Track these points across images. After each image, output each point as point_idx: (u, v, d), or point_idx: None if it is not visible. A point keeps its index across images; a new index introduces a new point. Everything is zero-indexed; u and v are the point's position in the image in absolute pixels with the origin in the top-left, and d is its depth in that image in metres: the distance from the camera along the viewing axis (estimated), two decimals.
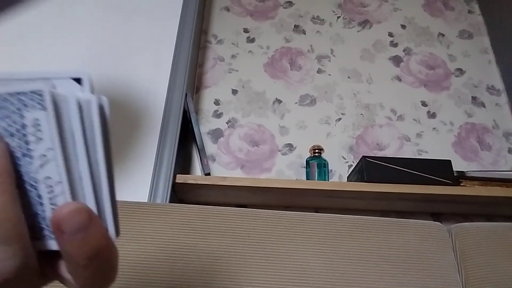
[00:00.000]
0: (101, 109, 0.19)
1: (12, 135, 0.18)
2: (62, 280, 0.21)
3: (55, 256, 0.20)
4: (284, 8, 1.60)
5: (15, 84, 0.18)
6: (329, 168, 1.27)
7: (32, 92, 0.18)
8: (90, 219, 0.18)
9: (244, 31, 1.54)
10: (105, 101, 0.20)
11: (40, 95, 0.18)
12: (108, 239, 0.19)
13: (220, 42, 1.51)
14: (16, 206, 0.18)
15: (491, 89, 1.47)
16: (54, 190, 0.18)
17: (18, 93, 0.18)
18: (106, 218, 0.20)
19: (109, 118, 0.20)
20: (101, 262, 0.19)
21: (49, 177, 0.18)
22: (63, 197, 0.19)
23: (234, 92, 1.40)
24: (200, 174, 1.20)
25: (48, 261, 0.21)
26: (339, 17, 1.60)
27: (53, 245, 0.19)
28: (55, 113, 0.18)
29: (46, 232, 0.19)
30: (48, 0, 1.22)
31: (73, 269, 0.19)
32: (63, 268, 0.20)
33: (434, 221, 0.87)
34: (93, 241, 0.18)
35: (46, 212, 0.19)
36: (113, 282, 0.21)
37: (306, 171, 1.19)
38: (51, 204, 0.19)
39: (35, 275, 0.19)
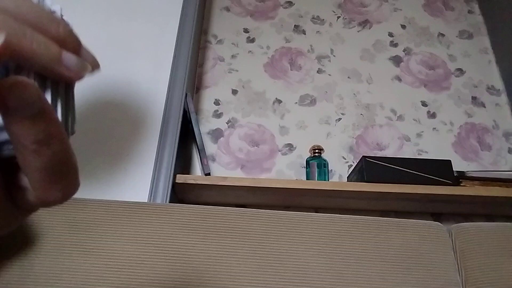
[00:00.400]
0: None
1: None
2: (21, 194, 0.20)
3: (18, 179, 0.20)
4: (284, 8, 1.60)
5: None
6: (329, 168, 1.27)
7: None
8: (39, 99, 0.17)
9: (244, 31, 1.54)
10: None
11: None
12: (61, 129, 0.18)
13: (220, 42, 1.51)
14: None
15: (491, 89, 1.47)
16: None
17: None
18: (57, 109, 0.19)
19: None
20: (54, 154, 0.18)
21: None
22: None
23: (234, 92, 1.40)
24: (200, 174, 1.20)
25: (14, 188, 0.20)
26: (339, 17, 1.60)
27: (2, 135, 0.18)
28: None
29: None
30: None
31: (24, 159, 0.18)
32: (22, 177, 0.19)
33: (434, 221, 0.87)
34: (42, 124, 0.17)
35: None
36: (72, 194, 0.20)
37: (306, 171, 1.19)
38: None
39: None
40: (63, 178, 0.19)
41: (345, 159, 1.31)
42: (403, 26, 1.59)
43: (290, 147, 1.31)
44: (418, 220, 0.75)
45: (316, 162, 1.17)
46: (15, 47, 0.17)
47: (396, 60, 1.51)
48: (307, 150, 1.29)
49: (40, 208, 0.21)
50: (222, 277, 0.63)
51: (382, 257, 0.68)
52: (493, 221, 1.21)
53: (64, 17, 0.21)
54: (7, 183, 0.20)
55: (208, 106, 1.37)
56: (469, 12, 1.64)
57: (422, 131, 1.37)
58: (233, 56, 1.48)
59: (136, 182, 0.99)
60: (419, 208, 1.18)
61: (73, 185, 0.20)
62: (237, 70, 1.45)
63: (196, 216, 0.69)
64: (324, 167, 1.17)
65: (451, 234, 0.75)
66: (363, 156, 1.10)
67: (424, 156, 1.32)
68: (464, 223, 0.77)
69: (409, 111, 1.40)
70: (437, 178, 1.08)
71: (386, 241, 0.70)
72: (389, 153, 1.32)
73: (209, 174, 1.09)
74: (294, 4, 1.62)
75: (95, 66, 0.21)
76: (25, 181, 0.19)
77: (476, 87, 1.47)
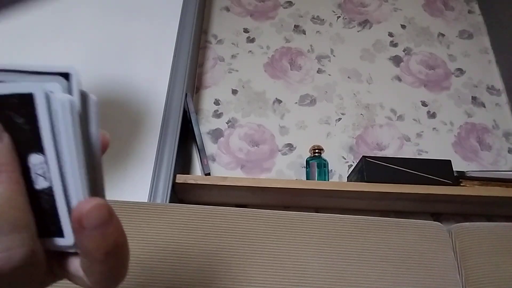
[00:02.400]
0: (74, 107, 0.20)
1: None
2: (71, 277, 0.21)
3: (63, 254, 0.21)
4: (284, 8, 1.60)
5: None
6: (329, 168, 1.27)
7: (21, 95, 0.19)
8: (110, 216, 0.18)
9: (244, 31, 1.54)
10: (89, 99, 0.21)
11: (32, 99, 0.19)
12: (125, 236, 0.20)
13: (220, 42, 1.51)
14: (24, 196, 0.18)
15: (491, 89, 1.47)
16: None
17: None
18: None
19: (95, 114, 0.22)
20: (117, 258, 0.19)
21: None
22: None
23: (234, 92, 1.40)
24: (200, 174, 1.20)
25: (56, 260, 0.21)
26: (339, 17, 1.60)
27: (60, 241, 0.20)
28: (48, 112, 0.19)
29: (52, 228, 0.20)
30: (49, 0, 1.22)
31: (89, 265, 0.19)
32: (74, 265, 0.20)
33: (434, 221, 0.87)
34: (112, 237, 0.19)
35: (57, 207, 0.20)
36: (124, 279, 0.21)
37: (306, 171, 1.19)
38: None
39: (42, 270, 0.20)
40: (120, 272, 0.20)
41: (345, 159, 1.31)
42: (403, 26, 1.58)
43: (290, 147, 1.31)
44: (418, 220, 0.74)
45: (316, 162, 1.17)
46: None
47: (396, 60, 1.51)
48: (307, 150, 1.29)
49: None
50: (222, 277, 0.63)
51: (382, 257, 0.68)
52: (493, 221, 1.21)
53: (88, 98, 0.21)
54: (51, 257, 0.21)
55: (208, 106, 1.37)
56: (469, 12, 1.64)
57: (422, 131, 1.37)
58: (233, 56, 1.48)
59: (136, 182, 0.99)
60: (419, 208, 1.18)
61: (125, 274, 0.21)
62: (237, 70, 1.45)
63: (196, 216, 0.69)
64: (324, 167, 1.17)
65: (451, 234, 0.75)
66: (363, 156, 1.10)
67: (424, 156, 1.32)
68: (464, 223, 0.77)
69: (409, 111, 1.40)
70: (437, 178, 1.08)
71: (386, 241, 0.70)
72: (389, 153, 1.32)
73: (209, 174, 1.09)
74: (294, 4, 1.62)
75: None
76: (78, 271, 0.20)
77: (476, 87, 1.47)
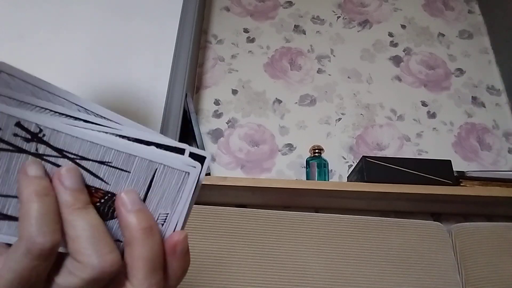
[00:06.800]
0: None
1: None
2: None
3: None
4: (284, 8, 1.60)
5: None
6: (329, 168, 1.27)
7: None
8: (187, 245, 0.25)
9: (244, 31, 1.54)
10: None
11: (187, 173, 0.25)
12: (157, 225, 0.25)
13: (220, 42, 1.51)
14: None
15: (491, 89, 1.47)
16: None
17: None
18: None
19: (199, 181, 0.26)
20: (154, 245, 0.24)
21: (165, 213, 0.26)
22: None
23: (234, 92, 1.40)
24: None
25: None
26: (339, 17, 1.60)
27: None
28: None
29: None
30: (48, 0, 1.22)
31: (132, 248, 0.24)
32: None
33: (434, 221, 0.87)
34: (189, 260, 0.25)
35: None
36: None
37: (306, 171, 1.19)
38: None
39: None
40: (159, 272, 0.24)
41: (345, 159, 1.31)
42: (403, 26, 1.58)
43: (290, 147, 1.31)
44: (418, 220, 0.75)
45: (316, 162, 1.17)
46: None
47: (396, 60, 1.51)
48: (307, 150, 1.28)
49: None
50: (222, 277, 0.63)
51: (382, 257, 0.68)
52: (493, 221, 1.21)
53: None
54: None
55: (208, 106, 1.37)
56: (469, 12, 1.64)
57: (422, 131, 1.37)
58: (233, 56, 1.48)
59: None
60: (419, 208, 1.18)
61: (165, 283, 0.25)
62: (237, 70, 1.45)
63: (196, 216, 0.69)
64: (324, 167, 1.17)
65: (451, 234, 0.75)
66: (363, 156, 1.10)
67: (424, 156, 1.32)
68: (464, 223, 0.77)
69: (409, 111, 1.40)
70: (437, 178, 1.08)
71: (386, 241, 0.70)
72: (389, 153, 1.32)
73: (209, 174, 1.09)
74: (294, 4, 1.62)
75: None
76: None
77: (476, 87, 1.47)
